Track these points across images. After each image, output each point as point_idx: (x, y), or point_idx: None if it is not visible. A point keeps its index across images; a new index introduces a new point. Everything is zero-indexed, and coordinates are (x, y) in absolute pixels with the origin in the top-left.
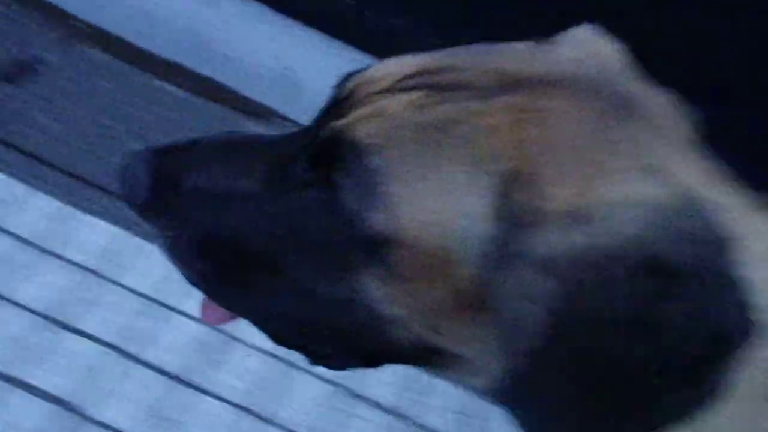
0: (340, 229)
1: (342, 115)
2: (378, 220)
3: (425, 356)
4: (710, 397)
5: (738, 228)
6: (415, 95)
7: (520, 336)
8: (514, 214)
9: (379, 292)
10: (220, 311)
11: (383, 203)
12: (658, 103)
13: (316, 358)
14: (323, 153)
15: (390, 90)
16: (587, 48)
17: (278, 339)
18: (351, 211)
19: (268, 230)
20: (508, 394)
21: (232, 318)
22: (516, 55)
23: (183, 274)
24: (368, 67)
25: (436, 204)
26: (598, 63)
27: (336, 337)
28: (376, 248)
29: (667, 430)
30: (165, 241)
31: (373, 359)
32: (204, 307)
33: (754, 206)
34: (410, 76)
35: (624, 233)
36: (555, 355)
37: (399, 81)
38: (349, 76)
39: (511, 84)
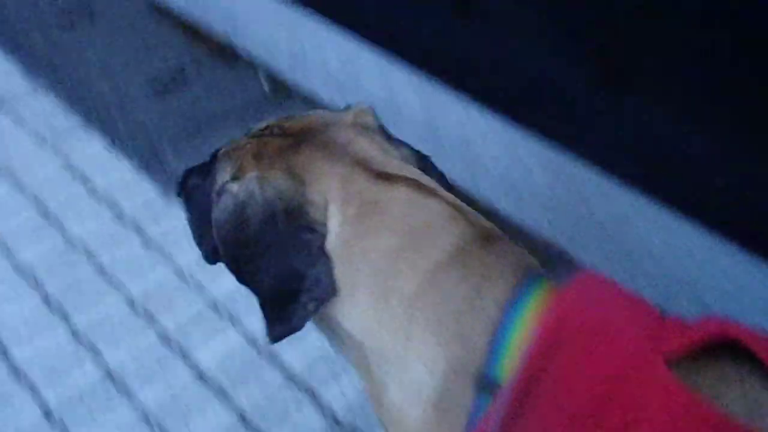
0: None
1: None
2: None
3: None
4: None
5: (332, 197)
6: (246, 138)
7: (218, 232)
8: (233, 179)
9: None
10: None
11: (212, 182)
12: (362, 139)
13: None
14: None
15: (252, 135)
16: (354, 115)
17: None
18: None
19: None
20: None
21: None
22: (299, 119)
23: (196, 243)
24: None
25: (223, 177)
26: (338, 120)
27: None
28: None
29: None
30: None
31: None
32: None
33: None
34: (260, 129)
35: (265, 194)
36: (230, 247)
37: (257, 131)
38: (251, 127)
39: (281, 133)
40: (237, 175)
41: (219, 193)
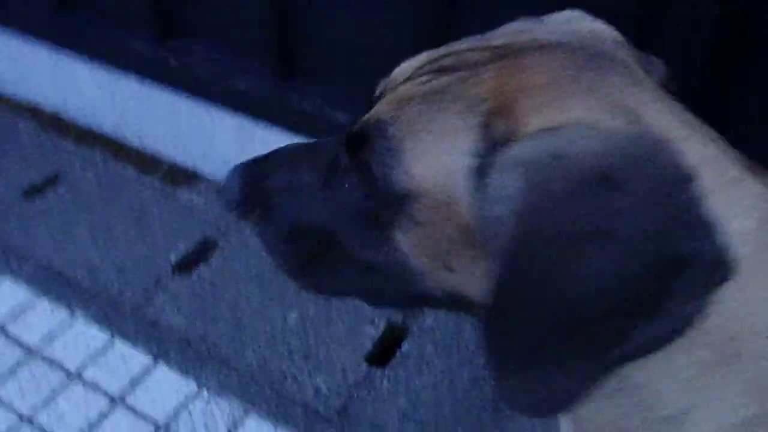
0: (374, 197)
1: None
2: (398, 178)
3: (452, 301)
4: (671, 330)
5: (699, 169)
6: (422, 78)
7: (500, 241)
8: (494, 139)
9: (405, 245)
10: None
11: (400, 161)
12: (639, 60)
13: (376, 305)
14: (355, 141)
15: (405, 81)
16: (574, 23)
17: (342, 294)
18: (379, 179)
19: (327, 213)
20: (491, 326)
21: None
22: (509, 33)
23: (272, 258)
24: (391, 72)
25: (437, 149)
26: (584, 31)
27: (385, 289)
28: (400, 203)
29: (627, 364)
30: (257, 233)
31: (417, 303)
32: None
33: (723, 155)
34: (420, 68)
35: (584, 150)
36: (527, 253)
37: (415, 71)
38: (380, 81)
39: (503, 54)
40: (504, 130)
41: (479, 170)
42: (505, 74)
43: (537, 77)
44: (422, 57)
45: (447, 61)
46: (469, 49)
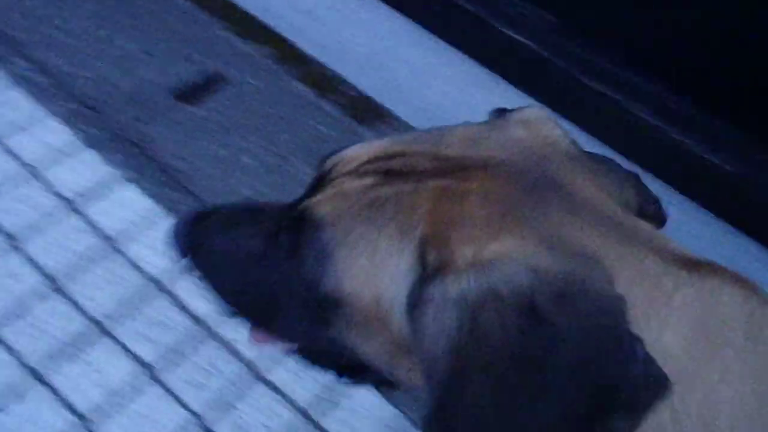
0: (308, 291)
1: (316, 193)
2: (329, 283)
3: (396, 382)
4: None
5: (631, 289)
6: (368, 180)
7: (435, 369)
8: (427, 269)
9: (346, 337)
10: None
11: (333, 268)
12: (588, 183)
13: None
14: (295, 227)
15: (352, 173)
16: (532, 130)
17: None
18: (312, 277)
19: (267, 283)
20: (431, 425)
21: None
22: (461, 141)
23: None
24: (342, 149)
25: (369, 268)
26: (538, 142)
27: (321, 356)
28: (333, 306)
29: None
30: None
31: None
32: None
33: (657, 267)
34: (370, 161)
35: (514, 286)
36: (462, 385)
37: (361, 165)
38: (328, 156)
39: (447, 168)
40: (438, 260)
41: (417, 305)
42: (444, 198)
43: (473, 208)
44: (374, 147)
45: (395, 164)
46: (419, 153)
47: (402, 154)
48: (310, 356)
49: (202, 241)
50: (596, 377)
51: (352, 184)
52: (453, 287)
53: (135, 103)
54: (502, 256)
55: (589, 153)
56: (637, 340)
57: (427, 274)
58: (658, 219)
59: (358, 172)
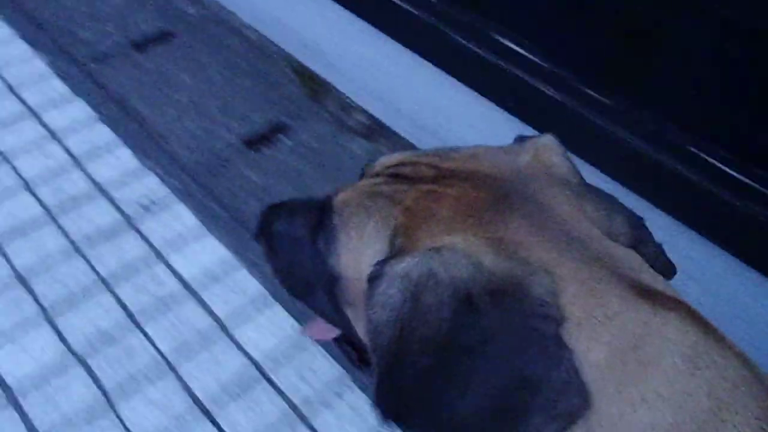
0: (323, 268)
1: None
2: (332, 261)
3: None
4: None
5: (573, 303)
6: (378, 179)
7: (380, 338)
8: (394, 251)
9: (348, 312)
10: (320, 329)
11: (335, 248)
12: (568, 206)
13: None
14: (321, 214)
15: (373, 174)
16: (537, 155)
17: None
18: (323, 256)
19: (305, 263)
20: (379, 392)
21: (330, 333)
22: (463, 157)
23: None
24: (378, 157)
25: (357, 249)
26: (535, 165)
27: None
28: (336, 282)
29: None
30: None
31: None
32: (309, 325)
33: (608, 291)
34: (388, 167)
35: (454, 273)
36: (402, 352)
37: (382, 169)
38: (368, 163)
39: (440, 176)
40: (401, 245)
41: (373, 278)
42: (424, 199)
43: (443, 208)
44: (396, 156)
45: (404, 170)
46: (425, 163)
47: (413, 163)
48: (347, 345)
49: (270, 225)
50: (518, 372)
51: (367, 182)
52: (401, 265)
53: None
54: (450, 247)
55: (591, 185)
56: (566, 349)
57: (390, 255)
58: (661, 264)
59: (376, 174)
